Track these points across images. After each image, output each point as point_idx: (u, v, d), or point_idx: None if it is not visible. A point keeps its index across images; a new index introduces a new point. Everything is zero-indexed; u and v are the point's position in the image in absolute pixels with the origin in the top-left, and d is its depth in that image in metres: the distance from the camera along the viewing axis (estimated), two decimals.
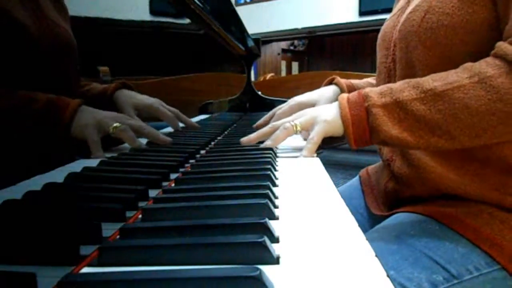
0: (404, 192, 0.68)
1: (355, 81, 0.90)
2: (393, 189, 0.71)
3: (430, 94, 0.53)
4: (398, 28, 0.66)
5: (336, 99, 0.63)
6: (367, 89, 0.59)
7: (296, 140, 0.76)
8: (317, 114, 0.63)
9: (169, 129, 0.97)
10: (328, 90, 0.88)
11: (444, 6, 0.58)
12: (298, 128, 0.63)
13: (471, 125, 0.52)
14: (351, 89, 0.87)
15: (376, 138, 0.57)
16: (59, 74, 0.79)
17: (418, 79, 0.56)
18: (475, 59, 0.54)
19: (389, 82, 0.69)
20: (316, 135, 0.61)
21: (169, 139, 0.72)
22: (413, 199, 0.66)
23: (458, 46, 0.58)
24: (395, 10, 0.74)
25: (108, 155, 0.64)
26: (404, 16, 0.65)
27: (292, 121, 0.64)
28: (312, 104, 0.83)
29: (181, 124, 0.97)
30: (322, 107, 0.66)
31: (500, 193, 0.58)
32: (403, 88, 0.56)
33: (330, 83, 0.90)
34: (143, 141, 0.74)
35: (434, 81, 0.54)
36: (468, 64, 0.54)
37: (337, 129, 0.60)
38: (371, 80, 0.91)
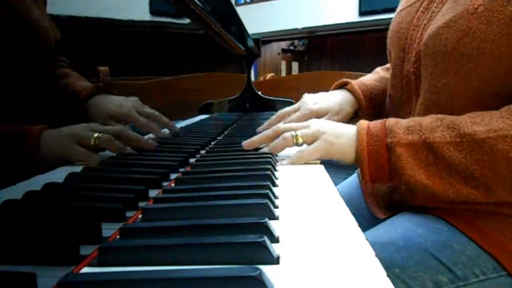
0: (407, 202, 0.65)
1: (368, 81, 0.81)
2: (396, 198, 0.68)
3: (468, 139, 0.46)
4: (424, 40, 0.56)
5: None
6: (392, 121, 0.52)
7: None
8: (324, 131, 0.56)
9: (167, 130, 0.96)
10: (339, 96, 0.80)
11: (487, 30, 0.48)
12: (300, 141, 0.58)
13: None
14: (365, 93, 0.80)
15: (395, 179, 0.51)
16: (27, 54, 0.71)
17: (453, 118, 0.49)
18: None
19: (407, 94, 0.63)
20: (310, 153, 0.56)
21: (153, 143, 0.66)
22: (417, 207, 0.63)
23: (501, 78, 0.49)
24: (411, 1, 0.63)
25: (108, 155, 0.64)
26: (433, 28, 0.54)
27: (295, 131, 0.59)
28: (324, 113, 0.76)
29: (178, 125, 0.95)
30: (334, 124, 0.59)
31: (509, 208, 0.55)
32: (435, 126, 0.49)
33: (341, 86, 0.82)
34: None
35: (474, 124, 0.47)
36: None
37: (346, 157, 0.55)
38: (382, 72, 0.83)
